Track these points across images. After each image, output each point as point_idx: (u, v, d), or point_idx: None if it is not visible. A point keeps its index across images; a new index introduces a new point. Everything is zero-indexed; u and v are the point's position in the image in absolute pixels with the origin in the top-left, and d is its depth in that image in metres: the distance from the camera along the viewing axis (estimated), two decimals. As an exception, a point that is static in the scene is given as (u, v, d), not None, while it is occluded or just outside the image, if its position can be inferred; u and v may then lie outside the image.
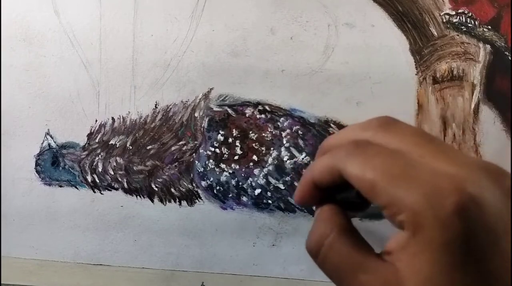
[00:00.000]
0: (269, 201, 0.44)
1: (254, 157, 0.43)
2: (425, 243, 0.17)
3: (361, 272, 0.18)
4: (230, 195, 0.44)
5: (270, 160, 0.43)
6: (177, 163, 0.44)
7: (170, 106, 0.43)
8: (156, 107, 0.43)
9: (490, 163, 0.18)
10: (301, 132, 0.43)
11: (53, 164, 0.44)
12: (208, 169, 0.43)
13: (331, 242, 0.20)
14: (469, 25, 0.42)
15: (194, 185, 0.44)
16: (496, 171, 0.18)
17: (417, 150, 0.18)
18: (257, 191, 0.43)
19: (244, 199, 0.44)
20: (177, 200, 0.44)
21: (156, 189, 0.44)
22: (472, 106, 0.42)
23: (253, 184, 0.43)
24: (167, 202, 0.44)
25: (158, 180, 0.44)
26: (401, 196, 0.17)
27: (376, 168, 0.18)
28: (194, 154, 0.43)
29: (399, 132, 0.19)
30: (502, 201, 0.17)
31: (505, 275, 0.17)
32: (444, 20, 0.42)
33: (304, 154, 0.43)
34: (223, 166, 0.43)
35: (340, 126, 0.42)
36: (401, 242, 0.17)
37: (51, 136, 0.44)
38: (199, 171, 0.43)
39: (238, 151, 0.43)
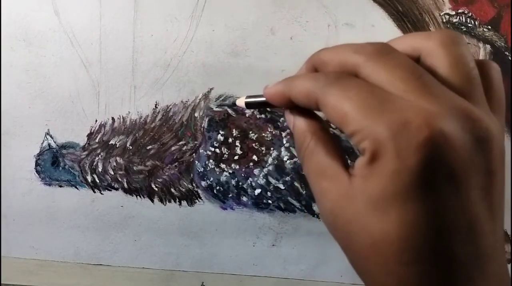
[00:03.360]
0: (269, 201, 0.44)
1: (254, 157, 0.43)
2: (379, 169, 0.17)
3: (325, 179, 0.20)
4: (230, 195, 0.44)
5: (270, 160, 0.43)
6: (177, 163, 0.44)
7: (170, 106, 0.43)
8: (156, 107, 0.43)
9: (472, 107, 0.18)
10: (301, 132, 0.43)
11: (53, 164, 0.44)
12: (208, 169, 0.43)
13: (308, 150, 0.21)
14: (469, 25, 0.42)
15: (194, 185, 0.44)
16: (473, 117, 0.17)
17: (401, 84, 0.18)
18: (257, 191, 0.43)
19: (244, 199, 0.44)
20: (177, 200, 0.44)
21: (156, 189, 0.44)
22: (472, 106, 0.42)
23: (253, 184, 0.43)
24: (167, 202, 0.44)
25: (158, 180, 0.44)
26: (368, 124, 0.18)
27: (351, 99, 0.18)
28: (194, 154, 0.43)
29: (389, 64, 0.19)
30: (470, 147, 0.17)
31: (463, 223, 0.17)
32: (444, 20, 0.42)
33: (304, 154, 0.43)
34: (223, 166, 0.43)
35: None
36: (360, 165, 0.18)
37: (51, 136, 0.44)
38: (199, 171, 0.43)
39: (238, 151, 0.43)
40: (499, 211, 0.18)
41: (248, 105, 0.29)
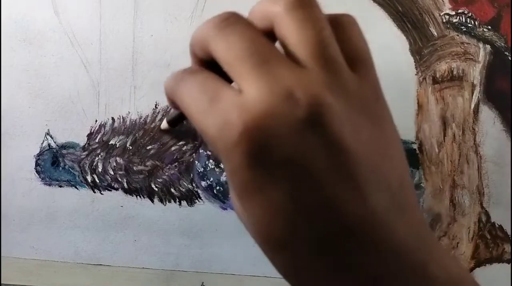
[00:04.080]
0: (269, 201, 0.43)
1: (254, 157, 0.43)
2: (226, 171, 0.18)
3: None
4: (230, 195, 0.44)
5: (270, 160, 0.43)
6: (177, 163, 0.44)
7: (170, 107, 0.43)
8: (156, 107, 0.43)
9: (300, 84, 0.16)
10: (301, 133, 0.43)
11: (53, 164, 0.44)
12: (208, 169, 0.43)
13: None
14: (469, 25, 0.42)
15: (194, 185, 0.44)
16: (296, 96, 0.16)
17: (239, 65, 0.18)
18: (257, 191, 0.43)
19: (244, 199, 0.44)
20: (177, 200, 0.44)
21: (156, 189, 0.44)
22: (472, 106, 0.42)
23: (253, 184, 0.43)
24: (167, 202, 0.44)
25: (158, 180, 0.44)
26: (204, 128, 0.17)
27: (188, 98, 0.18)
28: (194, 154, 0.43)
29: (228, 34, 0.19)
30: (296, 128, 0.16)
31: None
32: (444, 20, 0.42)
33: (304, 154, 0.43)
34: (223, 166, 0.43)
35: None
36: None
37: (51, 136, 0.44)
38: (199, 171, 0.43)
39: (238, 151, 0.43)
40: (375, 190, 0.17)
41: (170, 123, 0.32)
